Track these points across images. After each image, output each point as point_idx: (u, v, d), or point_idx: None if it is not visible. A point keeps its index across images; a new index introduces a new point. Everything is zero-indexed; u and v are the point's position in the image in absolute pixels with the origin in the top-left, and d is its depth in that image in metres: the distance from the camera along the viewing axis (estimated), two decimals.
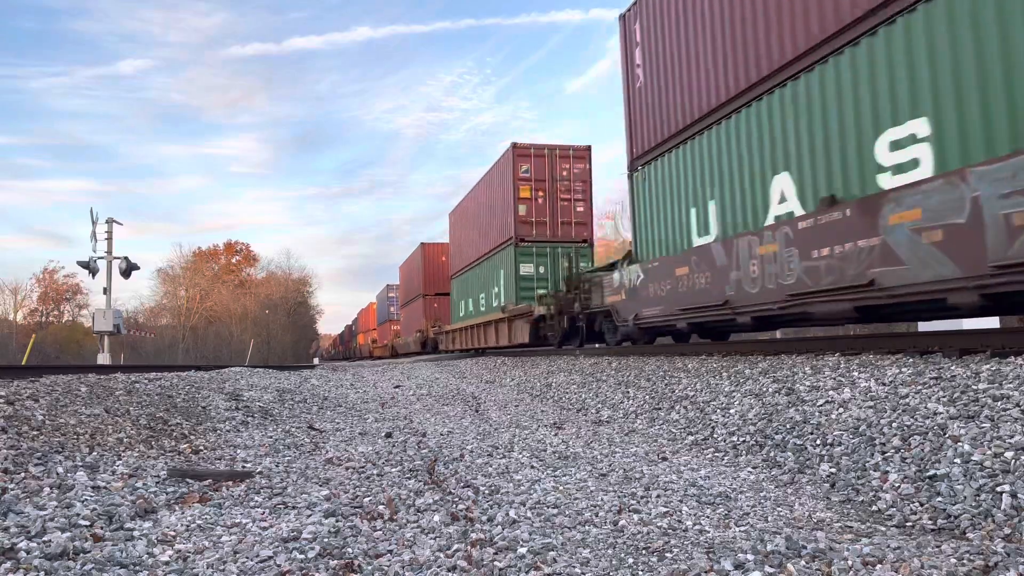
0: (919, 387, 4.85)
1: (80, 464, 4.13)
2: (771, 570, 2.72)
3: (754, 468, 4.84)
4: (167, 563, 2.72)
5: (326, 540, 3.02)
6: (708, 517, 3.57)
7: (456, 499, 3.85)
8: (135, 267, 26.40)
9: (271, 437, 6.24)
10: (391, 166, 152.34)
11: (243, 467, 4.80)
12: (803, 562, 2.79)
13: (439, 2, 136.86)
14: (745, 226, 9.15)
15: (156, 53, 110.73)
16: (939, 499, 3.54)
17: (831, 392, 5.46)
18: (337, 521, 3.33)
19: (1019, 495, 3.28)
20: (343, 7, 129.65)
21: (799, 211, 8.07)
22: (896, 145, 6.81)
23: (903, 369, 5.40)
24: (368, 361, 44.30)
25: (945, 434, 4.03)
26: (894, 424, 4.44)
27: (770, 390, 6.15)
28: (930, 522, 3.42)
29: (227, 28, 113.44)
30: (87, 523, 3.08)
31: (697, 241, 10.27)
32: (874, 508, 3.76)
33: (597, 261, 20.14)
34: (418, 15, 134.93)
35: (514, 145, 19.45)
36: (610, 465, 4.92)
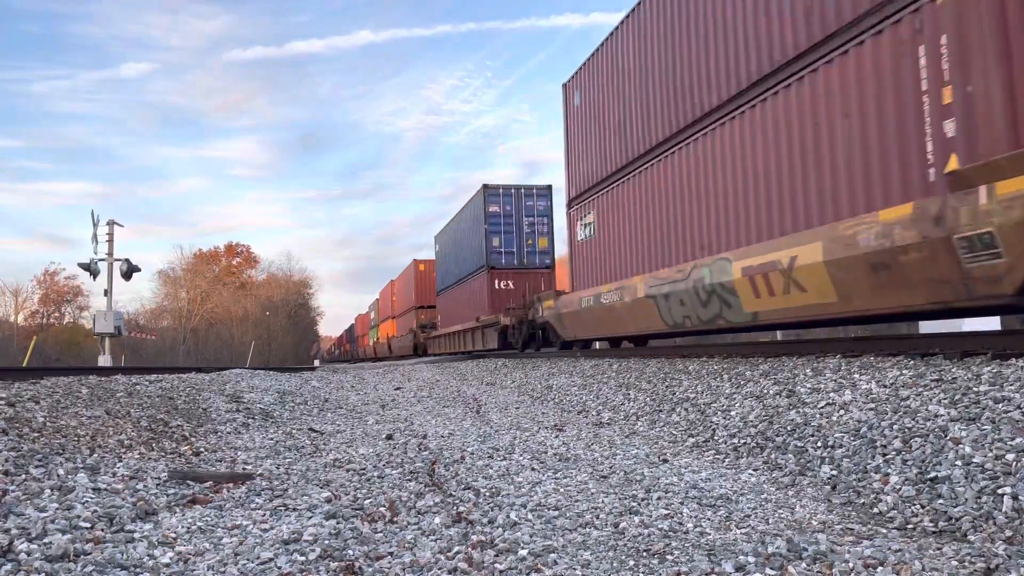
0: (920, 389, 4.85)
1: (81, 466, 4.13)
2: (772, 572, 2.71)
3: (755, 470, 4.83)
4: (168, 565, 2.72)
5: (327, 542, 3.02)
6: (709, 519, 3.57)
7: (457, 501, 3.85)
8: (136, 269, 26.44)
9: (272, 439, 6.24)
10: (392, 168, 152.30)
11: (244, 469, 4.80)
12: (804, 564, 2.79)
13: (440, 6, 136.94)
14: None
15: (158, 57, 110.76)
16: (940, 501, 3.54)
17: (832, 394, 5.45)
18: (338, 523, 3.33)
19: (1020, 497, 3.27)
20: (344, 11, 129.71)
21: None
22: None
23: (904, 371, 5.39)
24: (369, 363, 37.12)
25: (946, 436, 4.03)
26: (895, 426, 4.43)
27: (771, 392, 6.15)
28: (931, 524, 3.42)
29: (228, 32, 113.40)
30: (88, 525, 3.07)
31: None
32: (875, 510, 3.75)
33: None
34: (419, 19, 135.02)
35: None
36: (611, 467, 4.91)
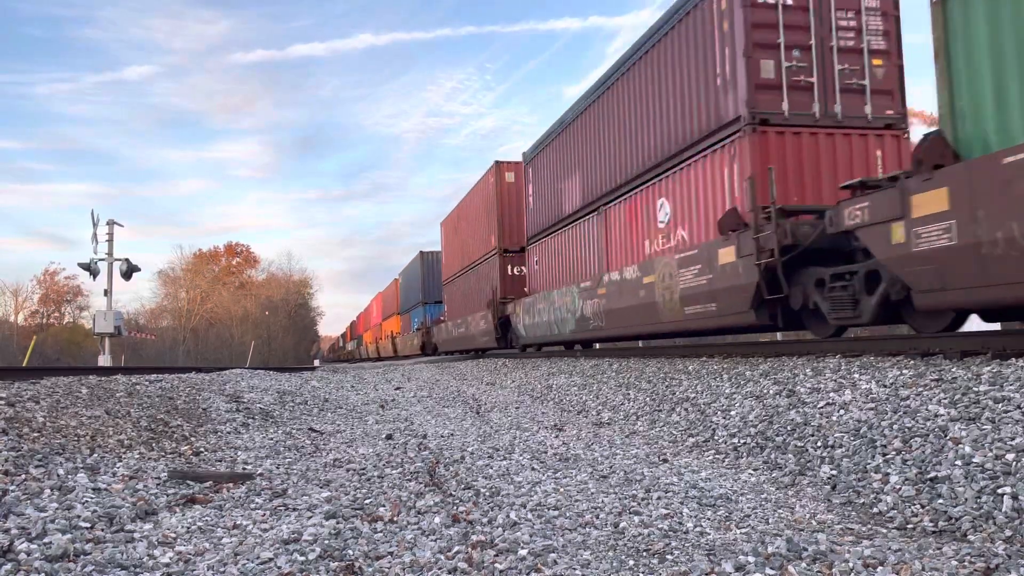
0: (920, 389, 4.85)
1: (81, 466, 4.13)
2: (772, 572, 2.71)
3: (755, 470, 4.83)
4: (167, 565, 2.72)
5: (327, 542, 3.02)
6: (709, 519, 3.57)
7: (457, 501, 3.85)
8: (136, 269, 26.43)
9: (272, 439, 6.24)
10: (392, 169, 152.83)
11: (244, 469, 4.80)
12: (804, 564, 2.79)
13: (440, 10, 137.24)
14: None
15: (160, 60, 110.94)
16: (940, 501, 3.54)
17: (832, 394, 5.45)
18: (338, 523, 3.33)
19: (1020, 497, 3.27)
20: (346, 15, 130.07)
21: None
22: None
23: (904, 371, 5.39)
24: (368, 363, 36.30)
25: (946, 436, 4.03)
26: (895, 426, 4.43)
27: (771, 392, 6.15)
28: (931, 524, 3.42)
29: (230, 35, 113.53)
30: (88, 525, 3.08)
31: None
32: (875, 510, 3.75)
33: None
34: (419, 22, 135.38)
35: None
36: (611, 467, 4.92)
